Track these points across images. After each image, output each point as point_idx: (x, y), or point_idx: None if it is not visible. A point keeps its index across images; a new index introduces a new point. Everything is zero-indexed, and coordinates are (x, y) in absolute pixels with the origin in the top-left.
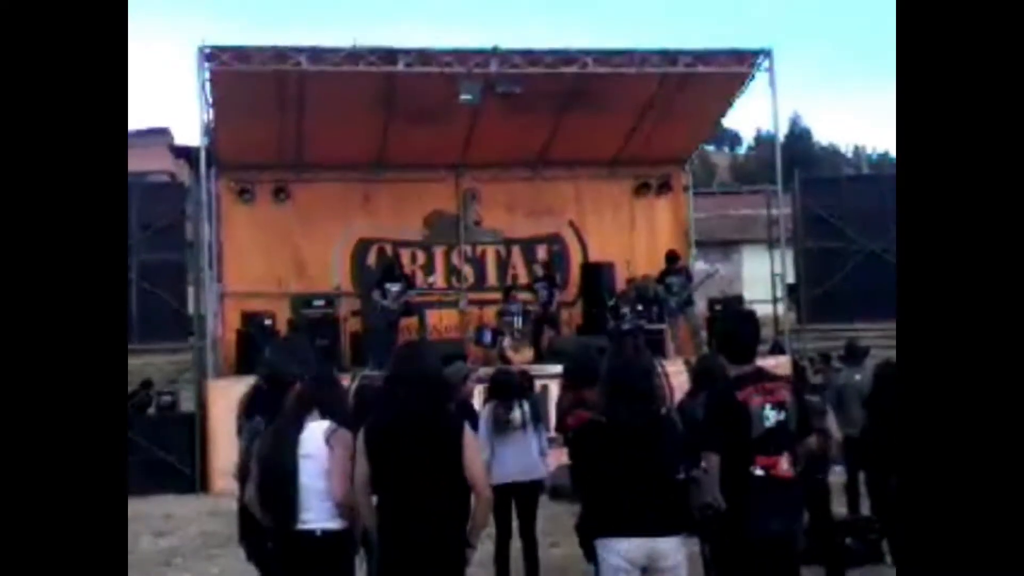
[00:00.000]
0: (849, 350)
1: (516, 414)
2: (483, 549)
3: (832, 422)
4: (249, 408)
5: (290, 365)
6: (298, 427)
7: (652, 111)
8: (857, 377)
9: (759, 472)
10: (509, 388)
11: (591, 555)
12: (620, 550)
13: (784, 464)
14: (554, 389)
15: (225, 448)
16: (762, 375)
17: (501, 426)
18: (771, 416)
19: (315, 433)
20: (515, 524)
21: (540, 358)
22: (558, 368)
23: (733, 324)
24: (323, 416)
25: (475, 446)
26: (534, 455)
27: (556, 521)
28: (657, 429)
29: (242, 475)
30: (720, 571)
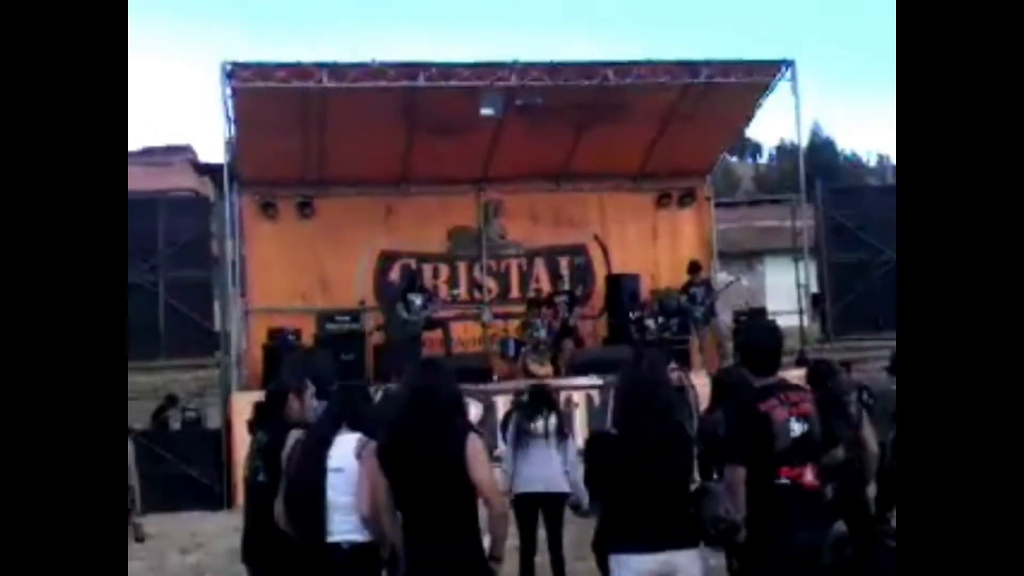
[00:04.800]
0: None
1: (539, 424)
2: (511, 563)
3: (869, 434)
4: (251, 424)
5: (289, 378)
6: (327, 441)
7: (674, 122)
8: (893, 388)
9: (785, 483)
10: (537, 399)
11: (608, 573)
12: (635, 566)
13: (810, 475)
14: (578, 401)
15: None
16: (785, 386)
17: (522, 435)
18: (796, 428)
19: (345, 447)
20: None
21: (558, 372)
22: (580, 380)
23: (755, 336)
24: (353, 429)
25: (481, 457)
26: (556, 468)
27: (584, 535)
28: (672, 441)
29: (247, 488)
30: None
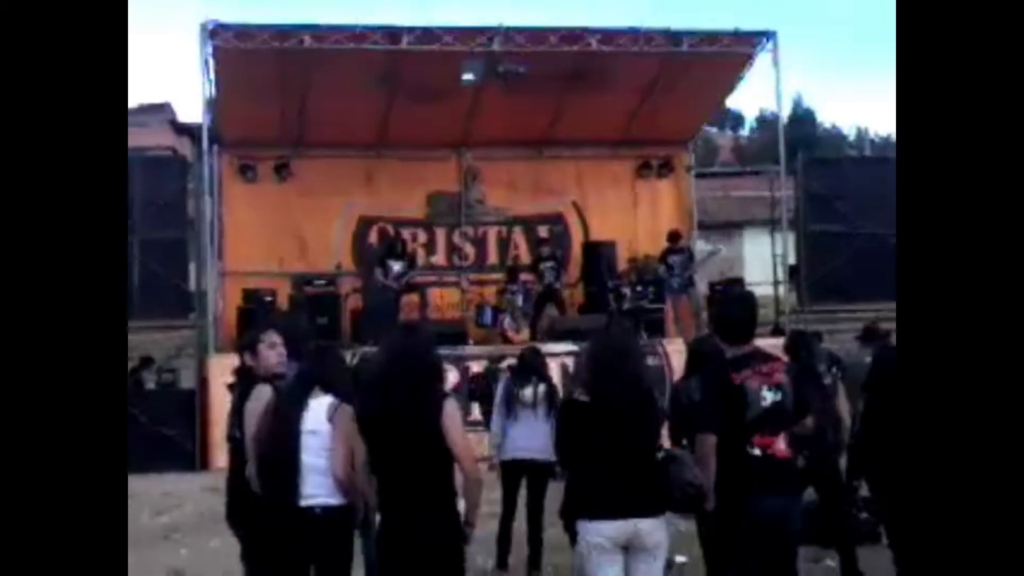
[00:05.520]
0: (867, 332)
1: (528, 391)
2: (488, 527)
3: (843, 405)
4: (231, 386)
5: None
6: (301, 403)
7: (655, 91)
8: (867, 360)
9: (756, 452)
10: (529, 367)
11: (575, 540)
12: (600, 531)
13: (781, 444)
14: (554, 369)
15: (225, 425)
16: (759, 356)
17: (512, 401)
18: (768, 396)
19: (318, 409)
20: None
21: (534, 338)
22: (558, 347)
23: (728, 305)
24: (326, 392)
25: (457, 423)
26: (542, 437)
27: (557, 500)
28: (640, 409)
29: (230, 445)
30: (717, 550)
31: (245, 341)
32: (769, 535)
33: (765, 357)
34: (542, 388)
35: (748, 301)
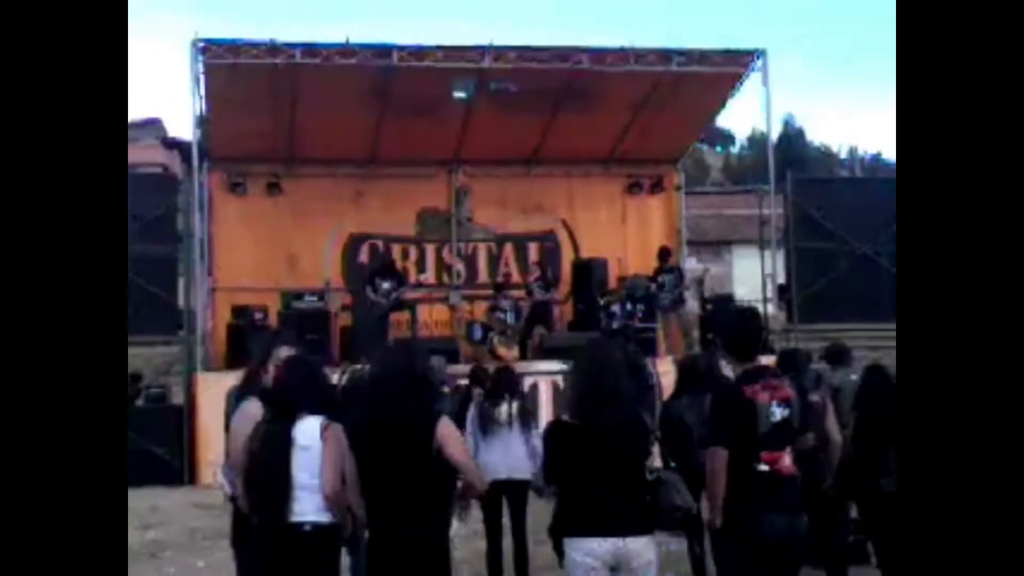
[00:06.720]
0: (835, 351)
1: (502, 409)
2: (474, 546)
3: (833, 424)
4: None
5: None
6: (292, 420)
7: (646, 110)
8: (853, 377)
9: (764, 468)
10: (502, 385)
11: (564, 558)
12: (588, 549)
13: (787, 460)
14: (543, 387)
15: (214, 441)
16: (767, 371)
17: (486, 422)
18: (777, 412)
19: (310, 426)
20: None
21: (525, 355)
22: (547, 365)
23: (739, 321)
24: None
25: (455, 438)
26: (518, 454)
27: (545, 519)
28: (628, 428)
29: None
30: (721, 567)
31: (258, 357)
32: (773, 552)
33: (772, 372)
34: (515, 405)
35: (756, 317)
